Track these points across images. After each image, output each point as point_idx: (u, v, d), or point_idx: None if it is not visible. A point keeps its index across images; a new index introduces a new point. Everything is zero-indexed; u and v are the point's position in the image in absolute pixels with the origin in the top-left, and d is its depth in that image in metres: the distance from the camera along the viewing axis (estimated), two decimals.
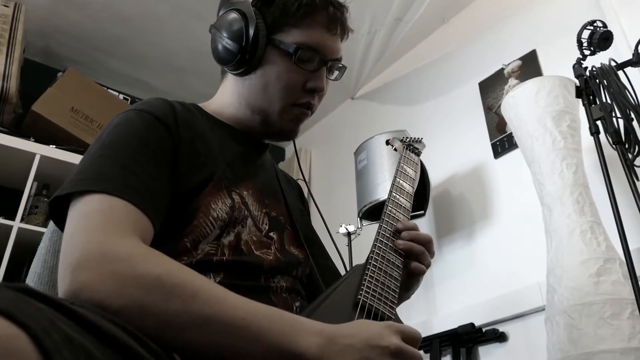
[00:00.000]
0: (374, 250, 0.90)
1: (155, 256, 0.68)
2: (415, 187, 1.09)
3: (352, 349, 0.64)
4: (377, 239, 0.93)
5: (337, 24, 0.94)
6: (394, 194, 1.03)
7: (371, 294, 0.83)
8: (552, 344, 1.47)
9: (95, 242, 0.66)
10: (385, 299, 0.84)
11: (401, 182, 1.07)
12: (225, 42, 0.91)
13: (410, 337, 0.70)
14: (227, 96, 0.98)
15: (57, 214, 0.75)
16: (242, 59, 0.90)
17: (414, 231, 0.96)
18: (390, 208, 0.99)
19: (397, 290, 0.87)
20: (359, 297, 0.81)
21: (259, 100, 0.94)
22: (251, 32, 0.89)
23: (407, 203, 1.03)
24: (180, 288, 0.63)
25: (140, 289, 0.62)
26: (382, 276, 0.87)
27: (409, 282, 0.97)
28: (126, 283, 0.62)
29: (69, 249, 0.66)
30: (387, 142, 1.32)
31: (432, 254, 0.98)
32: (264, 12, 0.90)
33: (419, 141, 1.25)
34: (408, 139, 1.24)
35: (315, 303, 0.80)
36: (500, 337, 1.98)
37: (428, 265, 0.97)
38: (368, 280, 0.84)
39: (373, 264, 0.88)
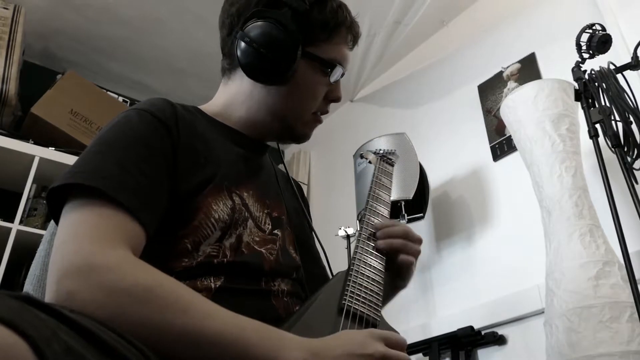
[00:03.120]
0: (354, 257, 0.93)
1: (144, 268, 0.68)
2: (390, 195, 1.14)
3: None
4: (358, 245, 0.96)
5: (356, 40, 1.01)
6: (371, 202, 1.07)
7: (355, 298, 0.84)
8: (551, 347, 1.47)
9: (83, 251, 0.66)
10: (370, 302, 0.86)
11: (377, 191, 1.11)
12: (261, 51, 0.89)
13: (394, 343, 0.72)
14: (238, 99, 0.98)
15: (54, 208, 0.75)
16: (277, 69, 0.91)
17: (387, 228, 0.99)
18: (368, 216, 1.03)
19: (381, 293, 0.89)
20: (343, 302, 0.83)
21: (286, 109, 0.96)
22: (291, 44, 0.90)
23: (384, 211, 1.08)
24: (170, 302, 0.64)
25: (129, 301, 0.62)
26: (365, 280, 0.89)
27: (400, 275, 0.99)
28: (114, 294, 0.62)
29: (56, 257, 0.66)
30: (362, 156, 1.37)
31: (417, 241, 0.99)
32: (299, 25, 0.91)
33: (393, 153, 1.30)
34: (381, 151, 1.30)
35: (301, 310, 0.81)
36: (499, 340, 1.98)
37: (417, 253, 0.99)
38: (351, 286, 0.86)
39: (355, 269, 0.90)
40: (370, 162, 1.27)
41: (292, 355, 0.65)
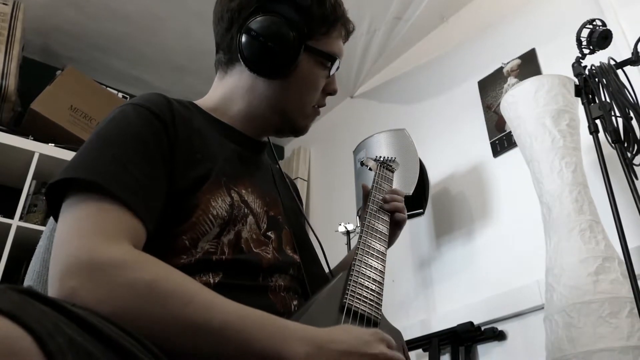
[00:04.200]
0: (356, 258, 0.94)
1: (148, 261, 0.68)
2: None
3: (340, 356, 0.66)
4: (358, 247, 0.97)
5: (349, 35, 1.03)
6: (371, 205, 1.11)
7: (356, 297, 0.86)
8: (551, 342, 1.47)
9: (86, 248, 0.65)
10: (371, 301, 0.87)
11: (378, 195, 1.15)
12: (268, 45, 0.90)
13: (392, 345, 0.73)
14: (237, 92, 0.98)
15: (54, 205, 0.75)
16: (281, 63, 0.92)
17: (393, 195, 1.15)
18: (368, 219, 1.06)
19: (381, 293, 0.91)
20: (345, 300, 0.84)
21: (287, 103, 0.97)
22: (296, 38, 0.91)
23: (384, 214, 1.12)
24: (174, 294, 0.64)
25: (133, 295, 0.62)
26: (366, 280, 0.91)
27: (395, 235, 1.15)
28: (118, 290, 0.62)
29: (58, 255, 0.66)
30: (362, 163, 1.42)
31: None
32: (300, 19, 0.93)
33: (393, 160, 1.33)
34: (381, 158, 1.33)
35: (302, 308, 0.82)
36: (499, 336, 1.99)
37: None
38: (352, 285, 0.87)
39: (356, 269, 0.91)
40: (370, 168, 1.29)
41: (295, 348, 0.65)
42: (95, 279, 0.63)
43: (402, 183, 2.13)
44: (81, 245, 0.66)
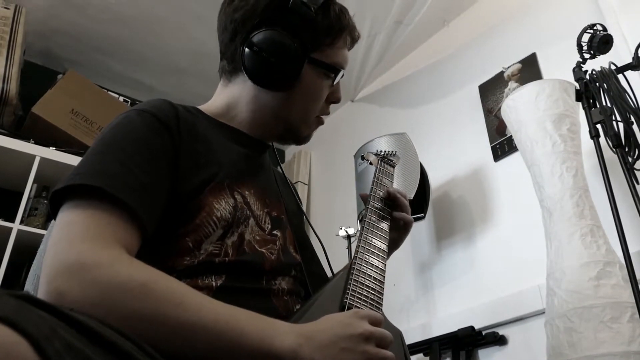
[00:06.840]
0: (356, 256, 0.94)
1: (137, 265, 0.68)
2: None
3: (330, 343, 0.68)
4: (359, 245, 0.97)
5: (355, 43, 1.03)
6: (372, 202, 1.09)
7: (357, 296, 0.85)
8: (552, 347, 1.47)
9: (75, 251, 0.66)
10: (371, 300, 0.87)
11: (378, 191, 1.13)
12: (270, 60, 0.90)
13: (375, 321, 0.74)
14: (241, 101, 0.98)
15: (57, 211, 0.75)
16: (283, 77, 0.92)
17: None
18: (369, 216, 1.05)
19: (382, 292, 0.90)
20: (345, 300, 0.83)
21: (291, 113, 0.97)
22: (299, 52, 0.91)
23: (385, 211, 1.10)
24: (165, 295, 0.65)
25: (124, 296, 0.63)
26: (367, 279, 0.90)
27: (399, 239, 1.11)
28: (108, 290, 0.63)
29: (48, 257, 0.66)
30: (362, 157, 1.40)
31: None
32: (304, 31, 0.92)
33: (394, 154, 1.31)
34: (382, 152, 1.31)
35: (303, 308, 0.82)
36: (500, 340, 1.98)
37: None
38: (352, 284, 0.87)
39: (357, 268, 0.91)
40: (371, 163, 1.28)
41: (286, 340, 0.66)
42: (84, 281, 0.63)
43: (403, 187, 2.13)
44: (70, 249, 0.66)
